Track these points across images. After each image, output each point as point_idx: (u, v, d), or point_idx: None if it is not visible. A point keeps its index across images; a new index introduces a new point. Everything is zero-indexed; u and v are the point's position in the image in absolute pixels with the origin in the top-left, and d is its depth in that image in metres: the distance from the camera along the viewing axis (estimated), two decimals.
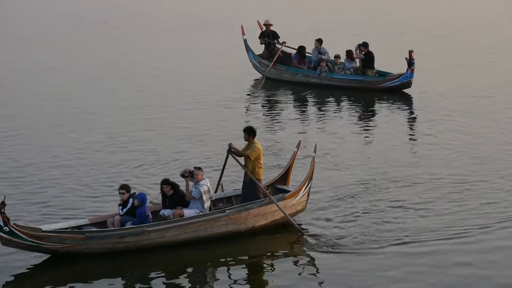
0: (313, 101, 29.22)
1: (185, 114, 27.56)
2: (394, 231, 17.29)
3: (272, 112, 28.10)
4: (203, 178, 16.56)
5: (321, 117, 27.14)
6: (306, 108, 28.69)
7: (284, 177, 17.85)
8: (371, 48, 29.33)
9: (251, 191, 17.01)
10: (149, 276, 15.80)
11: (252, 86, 31.42)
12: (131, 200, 16.24)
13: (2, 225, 15.31)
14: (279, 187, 17.79)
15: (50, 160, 23.40)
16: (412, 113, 27.51)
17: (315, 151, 17.62)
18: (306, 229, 17.26)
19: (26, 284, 15.77)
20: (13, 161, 23.79)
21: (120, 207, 16.41)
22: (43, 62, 40.27)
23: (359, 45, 28.99)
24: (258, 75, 31.38)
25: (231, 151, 16.90)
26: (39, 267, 16.26)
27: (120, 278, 15.74)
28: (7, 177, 22.00)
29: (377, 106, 28.35)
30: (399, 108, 28.00)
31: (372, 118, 26.98)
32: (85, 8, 67.67)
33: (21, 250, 16.10)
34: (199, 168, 16.74)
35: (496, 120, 25.92)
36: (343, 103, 28.66)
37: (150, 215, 16.34)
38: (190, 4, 59.34)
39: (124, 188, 16.40)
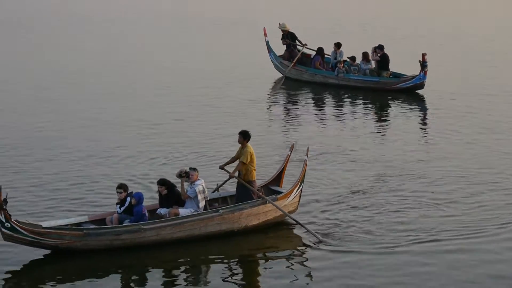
0: (331, 101, 30.02)
1: (205, 112, 28.04)
2: (403, 230, 17.38)
3: (291, 110, 28.93)
4: (199, 179, 16.82)
5: (338, 115, 27.86)
6: (324, 107, 29.52)
7: (278, 179, 18.08)
8: (386, 50, 30.07)
9: (244, 192, 17.30)
10: (145, 272, 16.07)
11: (273, 86, 32.21)
12: (128, 199, 16.48)
13: (4, 221, 15.55)
14: (272, 188, 18.01)
15: (52, 157, 23.67)
16: (425, 113, 28.26)
17: (307, 154, 17.89)
18: (307, 225, 17.28)
19: (26, 277, 16.03)
20: (16, 158, 23.86)
21: (118, 205, 16.62)
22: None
23: (375, 48, 29.68)
24: (279, 75, 32.26)
25: (223, 168, 17.41)
26: (39, 262, 16.49)
27: (117, 274, 15.99)
28: (11, 173, 22.18)
29: (391, 106, 29.07)
30: (412, 108, 28.67)
31: (386, 118, 27.72)
32: (112, 8, 68.11)
33: (22, 245, 16.26)
34: (194, 169, 17.04)
35: (508, 117, 26.33)
36: (359, 103, 29.40)
37: (146, 213, 16.55)
38: (215, 4, 59.32)
39: (122, 187, 16.64)
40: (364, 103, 29.13)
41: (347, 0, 60.18)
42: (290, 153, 18.23)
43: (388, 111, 28.49)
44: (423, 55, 27.88)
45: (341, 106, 29.14)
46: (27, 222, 16.09)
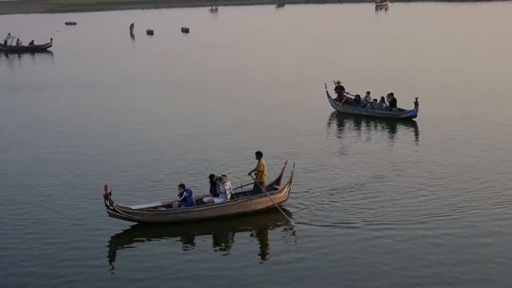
0: (363, 124, 37.08)
1: (271, 132, 34.87)
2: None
3: (337, 130, 36.51)
4: (227, 181, 22.51)
5: (365, 131, 35.41)
6: (359, 127, 36.38)
7: (278, 181, 23.74)
8: (395, 95, 38.33)
9: (257, 188, 22.92)
10: (192, 237, 21.13)
11: (330, 115, 39.66)
12: (184, 193, 22.03)
13: (109, 205, 21.00)
14: (274, 186, 23.51)
15: (142, 162, 29.49)
16: (417, 131, 34.85)
17: (293, 166, 23.40)
18: (289, 211, 22.56)
19: (123, 237, 21.15)
20: (115, 158, 30.16)
21: (179, 196, 22.17)
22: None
23: (388, 94, 37.65)
24: (333, 110, 40.11)
25: (249, 173, 23.04)
26: (130, 229, 21.67)
27: (175, 237, 21.04)
28: (117, 172, 28.01)
29: (397, 127, 35.74)
30: (409, 128, 35.50)
31: (393, 134, 34.64)
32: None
33: (120, 220, 21.69)
34: (225, 175, 22.74)
35: (487, 138, 32.39)
36: (378, 126, 36.38)
37: (194, 201, 22.00)
38: (292, 64, 60.25)
39: (181, 186, 22.18)
40: (381, 126, 36.62)
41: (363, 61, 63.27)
42: (285, 166, 23.70)
43: (395, 130, 35.53)
44: (416, 98, 35.75)
45: (369, 127, 36.52)
46: (123, 206, 21.30)
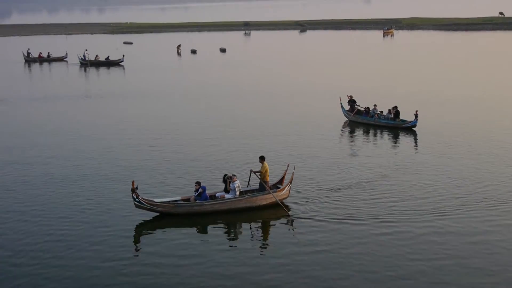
0: (371, 132, 37.36)
1: (291, 136, 35.60)
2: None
3: (349, 136, 36.63)
4: (236, 180, 22.73)
5: (372, 138, 35.66)
6: (367, 134, 36.73)
7: (281, 181, 23.73)
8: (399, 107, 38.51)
9: (262, 186, 23.07)
10: (205, 226, 21.38)
11: (343, 123, 39.88)
12: (199, 189, 22.39)
13: (136, 198, 21.39)
14: (277, 185, 23.54)
15: (167, 158, 30.05)
16: (416, 138, 35.17)
17: (294, 169, 23.64)
18: (290, 208, 22.63)
19: (146, 225, 21.53)
20: (146, 156, 30.63)
21: (195, 192, 22.51)
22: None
23: (393, 107, 37.75)
24: (345, 119, 40.44)
25: (253, 171, 23.04)
26: (153, 218, 22.13)
27: (191, 227, 21.34)
28: (141, 167, 28.51)
29: (400, 135, 36.06)
30: (409, 136, 35.74)
31: (395, 140, 34.84)
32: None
33: (145, 211, 22.07)
34: (234, 175, 22.93)
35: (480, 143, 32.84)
36: (384, 134, 36.54)
37: (208, 196, 22.36)
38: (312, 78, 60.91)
39: (197, 183, 22.54)
40: (386, 134, 36.73)
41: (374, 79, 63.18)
42: (287, 169, 23.70)
43: (398, 137, 35.61)
44: (416, 111, 35.97)
45: (376, 134, 36.69)
46: (147, 199, 21.71)
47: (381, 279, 17.12)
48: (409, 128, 36.92)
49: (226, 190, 22.87)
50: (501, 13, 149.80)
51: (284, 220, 21.88)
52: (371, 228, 20.67)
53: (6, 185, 26.49)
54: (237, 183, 22.82)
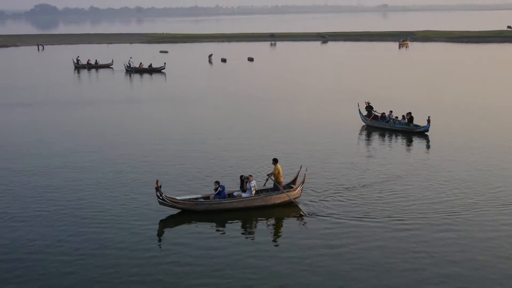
0: (386, 136, 36.73)
1: (312, 138, 35.30)
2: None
3: (366, 139, 36.19)
4: (253, 180, 22.36)
5: (387, 142, 34.88)
6: (383, 138, 36.10)
7: (294, 181, 23.24)
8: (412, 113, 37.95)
9: (276, 187, 22.62)
10: (224, 222, 20.96)
11: (360, 128, 39.37)
12: (218, 188, 22.00)
13: (160, 196, 21.07)
14: (291, 185, 23.07)
15: (190, 158, 29.68)
16: (428, 142, 34.45)
17: (306, 170, 23.16)
18: (306, 205, 22.07)
19: (168, 221, 21.15)
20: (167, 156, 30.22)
21: (214, 191, 22.09)
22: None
23: (407, 113, 37.12)
24: (363, 124, 39.88)
25: (268, 176, 22.64)
26: (175, 215, 21.80)
27: (210, 222, 20.96)
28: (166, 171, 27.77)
29: (413, 139, 35.35)
30: (422, 140, 35.02)
31: (409, 143, 34.16)
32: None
33: (168, 207, 21.74)
34: (251, 175, 22.53)
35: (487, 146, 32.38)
36: (398, 137, 35.91)
37: (226, 195, 21.95)
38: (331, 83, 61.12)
39: (216, 182, 22.12)
40: (401, 138, 35.90)
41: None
42: (300, 170, 23.22)
43: (411, 141, 34.85)
44: (429, 116, 35.39)
45: (391, 138, 36.00)
46: (170, 197, 21.40)
47: (396, 275, 16.82)
48: (422, 133, 36.38)
49: (243, 189, 22.53)
50: (509, 26, 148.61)
51: (297, 217, 21.51)
52: (386, 226, 20.26)
53: (54, 185, 26.24)
54: (253, 183, 22.46)
